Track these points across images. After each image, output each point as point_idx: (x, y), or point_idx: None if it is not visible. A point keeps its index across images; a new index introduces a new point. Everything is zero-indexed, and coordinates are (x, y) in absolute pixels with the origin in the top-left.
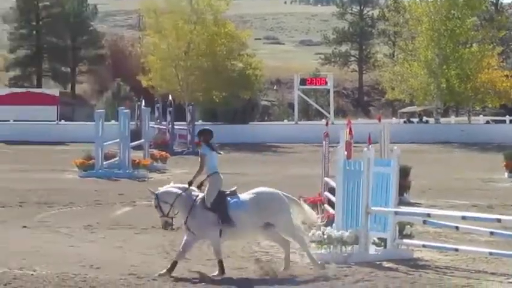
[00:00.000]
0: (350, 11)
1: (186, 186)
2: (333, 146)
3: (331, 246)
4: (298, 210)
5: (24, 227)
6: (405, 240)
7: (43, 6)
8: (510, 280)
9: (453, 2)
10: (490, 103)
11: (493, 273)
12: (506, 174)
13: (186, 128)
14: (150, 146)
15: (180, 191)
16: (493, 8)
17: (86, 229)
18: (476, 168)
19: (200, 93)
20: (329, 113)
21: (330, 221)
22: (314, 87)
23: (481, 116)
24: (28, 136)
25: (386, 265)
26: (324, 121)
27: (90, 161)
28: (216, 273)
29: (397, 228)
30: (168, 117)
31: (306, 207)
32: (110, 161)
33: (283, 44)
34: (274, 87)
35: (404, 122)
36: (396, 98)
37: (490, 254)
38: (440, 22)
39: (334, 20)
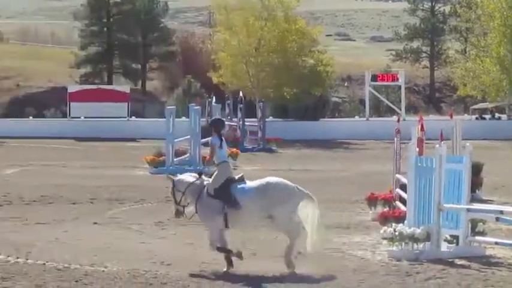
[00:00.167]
0: (421, 7)
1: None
2: (404, 143)
3: (403, 243)
4: (311, 205)
5: (95, 223)
6: (478, 238)
7: (114, 3)
8: None
9: None
10: None
11: None
12: None
13: (256, 124)
14: None
15: (193, 180)
16: None
17: (156, 226)
18: None
19: (271, 90)
20: (400, 110)
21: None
22: (385, 83)
23: None
24: (99, 133)
25: (458, 262)
26: (395, 117)
27: (161, 158)
28: (225, 268)
29: (470, 225)
30: (239, 114)
31: (316, 208)
32: (180, 157)
33: (354, 40)
34: (345, 84)
35: (476, 118)
36: (468, 94)
37: None
38: None
39: (405, 16)
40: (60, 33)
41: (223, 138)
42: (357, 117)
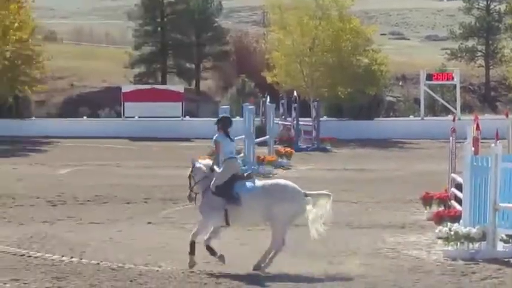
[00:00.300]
0: (477, 6)
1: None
2: (460, 142)
3: (458, 243)
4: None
5: (150, 223)
6: None
7: (168, 3)
8: None
9: None
10: None
11: None
12: None
13: (311, 124)
14: (275, 142)
15: (208, 173)
16: None
17: None
18: None
19: (325, 89)
20: (455, 109)
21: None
22: (440, 82)
23: None
24: (153, 132)
25: None
26: (450, 117)
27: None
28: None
29: None
30: (293, 113)
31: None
32: None
33: (409, 39)
34: (400, 83)
35: None
36: None
37: None
38: None
39: (460, 15)
40: (114, 33)
41: (230, 136)
42: (411, 117)
